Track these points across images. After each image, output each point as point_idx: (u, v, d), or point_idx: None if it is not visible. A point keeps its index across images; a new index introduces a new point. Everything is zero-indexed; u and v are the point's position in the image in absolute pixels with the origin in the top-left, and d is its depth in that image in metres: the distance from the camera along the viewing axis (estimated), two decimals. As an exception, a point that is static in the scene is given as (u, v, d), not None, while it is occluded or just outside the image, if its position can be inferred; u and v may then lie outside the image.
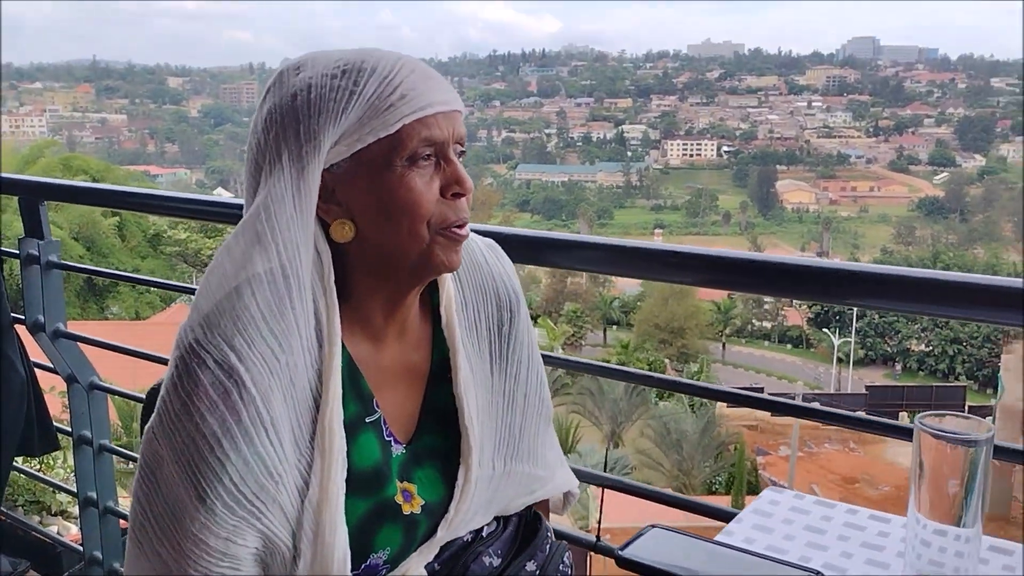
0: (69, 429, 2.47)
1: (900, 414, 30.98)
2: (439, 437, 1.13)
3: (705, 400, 29.09)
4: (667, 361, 33.95)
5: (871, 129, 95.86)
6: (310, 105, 0.99)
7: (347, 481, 1.02)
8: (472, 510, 1.13)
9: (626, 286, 51.45)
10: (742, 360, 41.12)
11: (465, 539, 1.15)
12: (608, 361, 31.50)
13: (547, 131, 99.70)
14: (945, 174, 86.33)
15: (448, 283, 1.14)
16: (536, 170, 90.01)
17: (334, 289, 1.03)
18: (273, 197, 0.98)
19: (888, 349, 42.80)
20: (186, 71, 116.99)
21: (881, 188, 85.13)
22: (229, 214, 2.02)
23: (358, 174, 1.00)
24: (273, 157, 1.00)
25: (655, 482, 19.89)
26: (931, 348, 41.60)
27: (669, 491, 1.58)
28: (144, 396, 1.31)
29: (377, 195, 1.00)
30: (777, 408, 1.42)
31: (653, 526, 1.13)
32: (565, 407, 24.69)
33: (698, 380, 29.90)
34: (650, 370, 30.69)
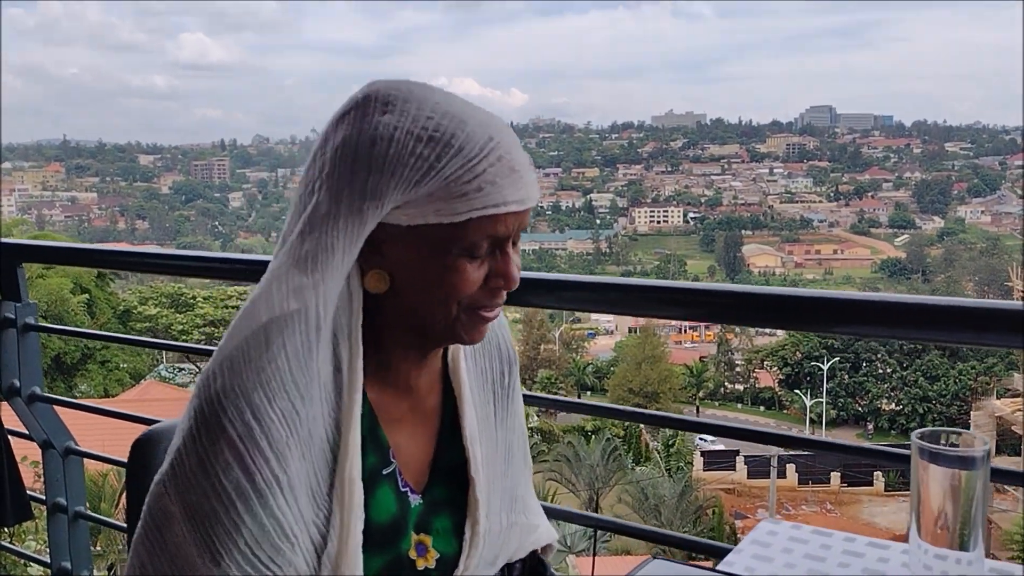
0: (43, 497, 2.41)
1: (875, 473, 30.99)
2: (451, 489, 1.10)
3: (682, 464, 28.95)
4: (642, 425, 33.78)
5: (832, 194, 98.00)
6: (386, 162, 0.93)
7: (364, 535, 0.99)
8: (481, 565, 1.11)
9: (599, 351, 51.46)
10: (716, 422, 40.99)
11: None
12: (584, 427, 31.32)
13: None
14: (906, 236, 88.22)
15: None
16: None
17: (360, 336, 1.00)
18: (322, 245, 0.95)
19: (859, 409, 42.94)
20: (157, 148, 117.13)
21: (844, 251, 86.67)
22: (214, 269, 2.01)
23: (411, 243, 0.96)
24: (332, 195, 0.95)
25: (634, 550, 19.62)
26: (901, 407, 41.80)
27: (660, 529, 1.56)
28: (126, 460, 1.28)
29: (423, 268, 0.97)
30: (789, 443, 1.42)
31: (654, 557, 1.12)
32: (542, 474, 24.40)
33: (674, 443, 29.81)
34: (626, 435, 30.56)
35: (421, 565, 1.04)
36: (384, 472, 1.03)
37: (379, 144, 0.94)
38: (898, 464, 1.31)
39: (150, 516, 0.95)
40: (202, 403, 0.93)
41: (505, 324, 1.21)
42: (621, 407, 1.70)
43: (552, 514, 1.43)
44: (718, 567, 1.14)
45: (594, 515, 1.55)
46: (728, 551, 1.24)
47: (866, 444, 1.34)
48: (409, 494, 1.06)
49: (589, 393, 45.33)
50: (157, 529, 0.94)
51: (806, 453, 34.12)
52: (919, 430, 1.02)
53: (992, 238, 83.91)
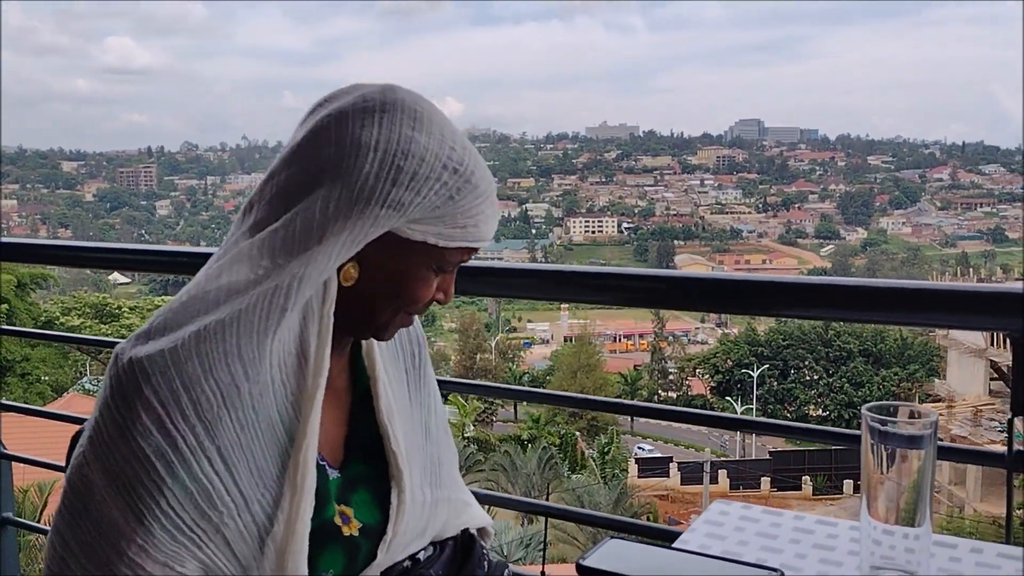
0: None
1: (803, 478, 31.75)
2: (368, 465, 1.12)
3: (617, 471, 29.21)
4: (578, 434, 33.99)
5: (760, 205, 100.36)
6: (414, 179, 0.98)
7: None
8: (409, 534, 1.12)
9: (535, 360, 51.66)
10: (650, 431, 41.51)
11: (405, 565, 1.15)
12: (520, 436, 31.36)
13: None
14: (831, 246, 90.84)
15: None
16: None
17: (331, 324, 1.02)
18: (319, 234, 0.96)
19: (788, 415, 43.91)
20: (81, 155, 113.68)
21: (772, 260, 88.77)
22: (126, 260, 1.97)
23: (395, 250, 1.02)
24: (346, 192, 0.97)
25: (570, 556, 19.69)
26: (828, 413, 42.92)
27: (611, 515, 1.57)
28: (60, 463, 1.24)
29: (399, 275, 1.04)
30: (754, 427, 1.44)
31: (611, 537, 1.12)
32: (478, 484, 24.32)
33: (610, 450, 30.08)
34: (562, 444, 30.65)
35: (347, 532, 1.06)
36: None
37: (411, 160, 0.98)
38: (849, 444, 1.34)
39: (70, 488, 0.95)
40: (119, 370, 0.92)
41: None
42: (550, 392, 1.71)
43: (500, 503, 1.43)
44: (673, 545, 1.15)
45: (545, 503, 1.55)
46: (677, 535, 1.25)
47: (819, 427, 1.37)
48: (327, 468, 1.07)
49: (526, 402, 45.43)
50: (79, 499, 0.93)
51: (738, 459, 34.79)
52: (869, 404, 1.04)
53: (913, 248, 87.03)
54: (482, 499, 1.41)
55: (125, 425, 0.91)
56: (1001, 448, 1.33)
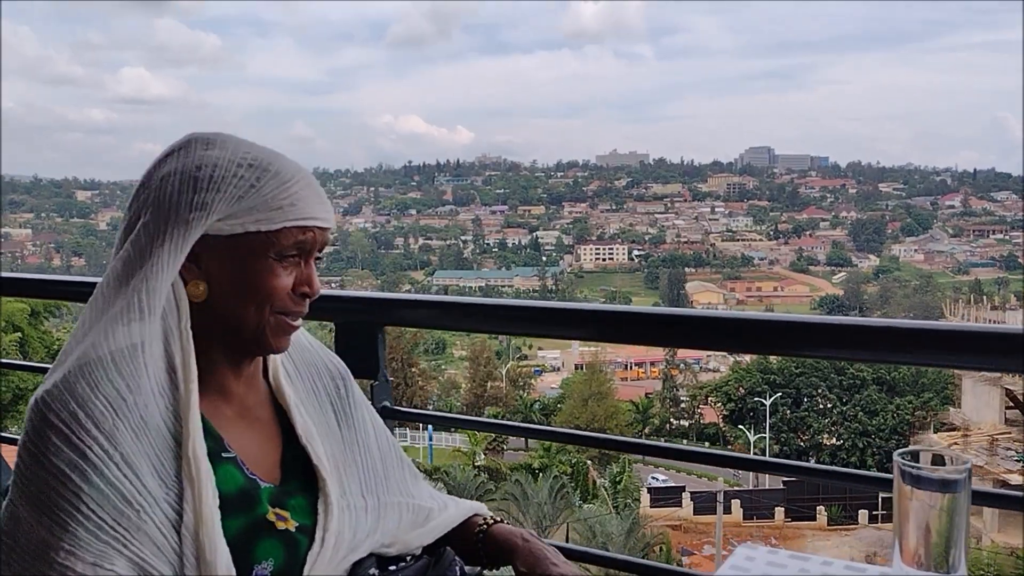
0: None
1: (817, 508, 31.39)
2: (303, 481, 1.20)
3: (629, 501, 28.98)
4: (589, 463, 33.77)
5: (771, 232, 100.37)
6: (211, 181, 1.10)
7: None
8: (351, 533, 1.19)
9: (546, 388, 51.51)
10: (663, 460, 41.25)
11: (373, 573, 1.21)
12: (531, 464, 31.20)
13: (463, 238, 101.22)
14: (843, 274, 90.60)
15: (275, 357, 1.26)
16: (453, 276, 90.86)
17: (191, 335, 1.11)
18: (148, 252, 1.09)
19: (801, 444, 43.56)
20: (95, 184, 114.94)
21: (784, 288, 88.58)
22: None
23: (230, 252, 1.12)
24: (159, 213, 1.10)
25: (583, 588, 19.46)
26: (842, 441, 42.52)
27: (634, 558, 1.55)
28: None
29: (242, 274, 1.13)
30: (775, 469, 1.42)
31: (637, 585, 1.10)
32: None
33: (621, 480, 29.83)
34: (573, 473, 30.45)
35: (282, 527, 1.12)
36: (224, 455, 1.13)
37: (204, 169, 1.11)
38: (880, 488, 1.32)
39: (2, 532, 1.03)
40: (30, 413, 1.03)
41: (327, 348, 1.38)
42: (518, 424, 1.69)
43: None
44: (700, 593, 1.12)
45: (567, 545, 1.52)
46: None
47: (850, 470, 1.35)
48: (259, 481, 1.15)
49: (536, 430, 45.16)
50: (10, 537, 1.01)
51: (751, 489, 34.47)
52: (901, 450, 1.02)
53: (925, 276, 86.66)
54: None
55: (39, 452, 1.01)
56: (1020, 479, 1.30)
